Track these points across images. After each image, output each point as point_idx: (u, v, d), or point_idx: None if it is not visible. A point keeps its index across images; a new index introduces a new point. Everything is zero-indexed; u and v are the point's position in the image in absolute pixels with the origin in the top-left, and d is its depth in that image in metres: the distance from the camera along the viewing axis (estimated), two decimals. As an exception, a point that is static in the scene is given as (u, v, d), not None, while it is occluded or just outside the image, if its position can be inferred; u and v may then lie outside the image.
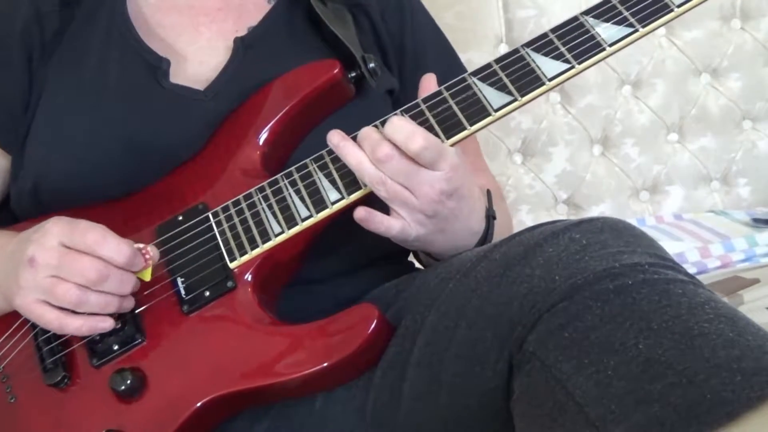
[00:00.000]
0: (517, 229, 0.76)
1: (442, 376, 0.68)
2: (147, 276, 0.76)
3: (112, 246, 0.72)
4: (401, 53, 0.97)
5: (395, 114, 0.76)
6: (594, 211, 1.53)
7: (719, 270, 1.27)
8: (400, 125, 0.72)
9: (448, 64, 1.01)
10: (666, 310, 0.56)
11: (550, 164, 1.52)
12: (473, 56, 1.40)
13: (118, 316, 0.76)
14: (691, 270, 1.24)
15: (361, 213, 0.75)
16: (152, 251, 0.76)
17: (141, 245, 0.75)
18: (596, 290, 0.59)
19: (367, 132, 0.74)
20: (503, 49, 1.46)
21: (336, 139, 0.75)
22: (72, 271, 0.71)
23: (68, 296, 0.71)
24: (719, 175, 1.56)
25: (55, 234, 0.72)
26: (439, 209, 0.74)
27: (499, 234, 0.84)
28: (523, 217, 1.52)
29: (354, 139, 0.75)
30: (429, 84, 0.79)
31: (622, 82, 1.53)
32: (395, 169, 0.72)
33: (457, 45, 1.06)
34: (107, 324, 0.75)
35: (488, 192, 0.85)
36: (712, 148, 1.56)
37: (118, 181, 0.83)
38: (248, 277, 0.77)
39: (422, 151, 0.71)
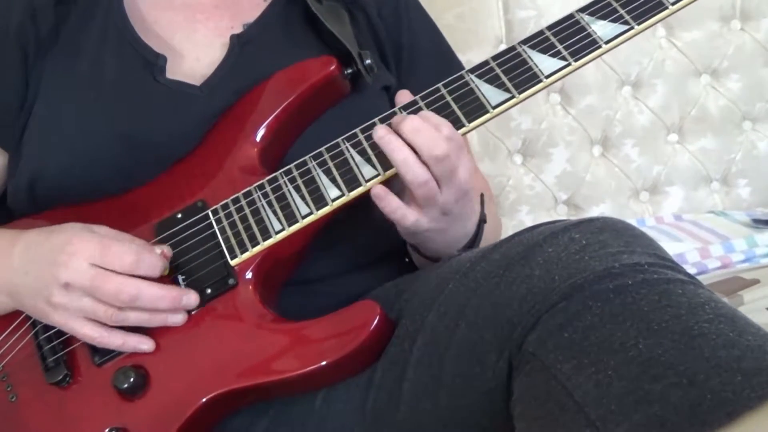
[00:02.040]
0: (517, 229, 0.76)
1: (442, 376, 0.68)
2: (165, 271, 0.77)
3: (147, 265, 0.73)
4: (398, 49, 0.97)
5: (411, 113, 0.75)
6: (594, 212, 1.53)
7: (719, 270, 1.26)
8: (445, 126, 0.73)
9: (444, 60, 1.01)
10: (666, 310, 0.57)
11: (550, 165, 1.52)
12: (473, 57, 1.40)
13: None
14: (691, 270, 1.24)
15: (378, 191, 0.74)
16: (166, 250, 0.77)
17: (159, 250, 0.76)
18: (596, 290, 0.59)
19: (420, 125, 0.73)
20: (503, 50, 1.46)
21: (382, 131, 0.74)
22: (105, 293, 0.72)
23: (107, 315, 0.73)
24: (719, 175, 1.56)
25: (85, 257, 0.72)
26: (453, 208, 0.76)
27: (485, 240, 0.84)
28: (523, 218, 1.51)
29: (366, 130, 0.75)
30: (404, 99, 0.79)
31: (622, 82, 1.53)
32: (445, 169, 0.72)
33: (457, 46, 1.06)
34: (147, 346, 0.76)
35: (482, 195, 0.85)
36: (712, 148, 1.55)
37: (115, 177, 0.83)
38: (249, 274, 0.78)
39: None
